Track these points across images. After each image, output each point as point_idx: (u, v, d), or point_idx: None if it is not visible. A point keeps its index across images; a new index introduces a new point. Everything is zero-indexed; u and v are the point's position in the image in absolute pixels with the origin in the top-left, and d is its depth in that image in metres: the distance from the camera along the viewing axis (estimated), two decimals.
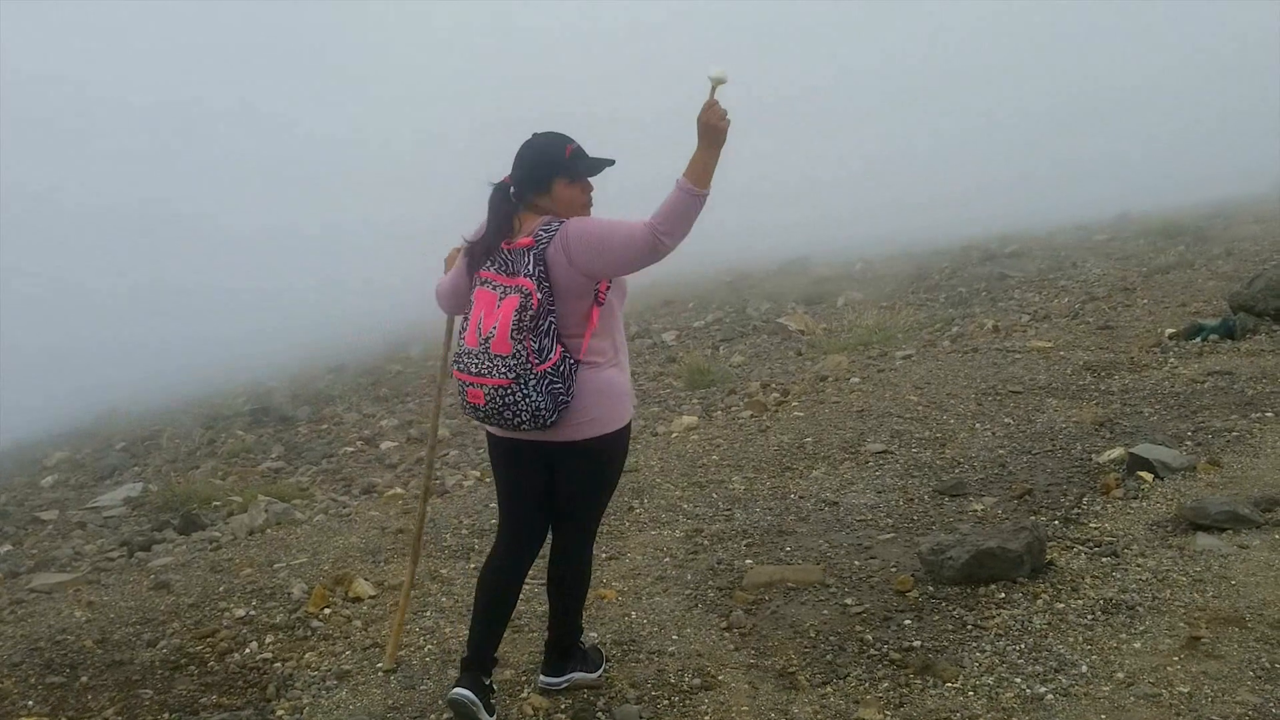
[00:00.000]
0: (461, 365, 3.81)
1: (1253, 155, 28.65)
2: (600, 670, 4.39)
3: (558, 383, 3.75)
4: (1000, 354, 10.30)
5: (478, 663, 4.04)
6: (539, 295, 3.68)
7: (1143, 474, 6.17)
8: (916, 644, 4.43)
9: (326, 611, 5.37)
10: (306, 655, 4.92)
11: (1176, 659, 4.02)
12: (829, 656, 4.42)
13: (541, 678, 4.33)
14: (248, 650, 5.02)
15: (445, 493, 8.55)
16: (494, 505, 7.11)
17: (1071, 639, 4.29)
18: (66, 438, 17.49)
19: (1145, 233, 18.68)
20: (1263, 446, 6.47)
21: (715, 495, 6.86)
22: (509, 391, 3.70)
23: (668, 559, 5.77)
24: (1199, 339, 9.71)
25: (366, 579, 5.75)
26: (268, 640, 5.11)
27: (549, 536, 4.25)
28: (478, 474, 9.39)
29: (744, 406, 10.14)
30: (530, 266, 3.71)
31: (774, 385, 11.20)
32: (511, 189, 3.93)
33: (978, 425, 7.78)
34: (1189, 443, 6.77)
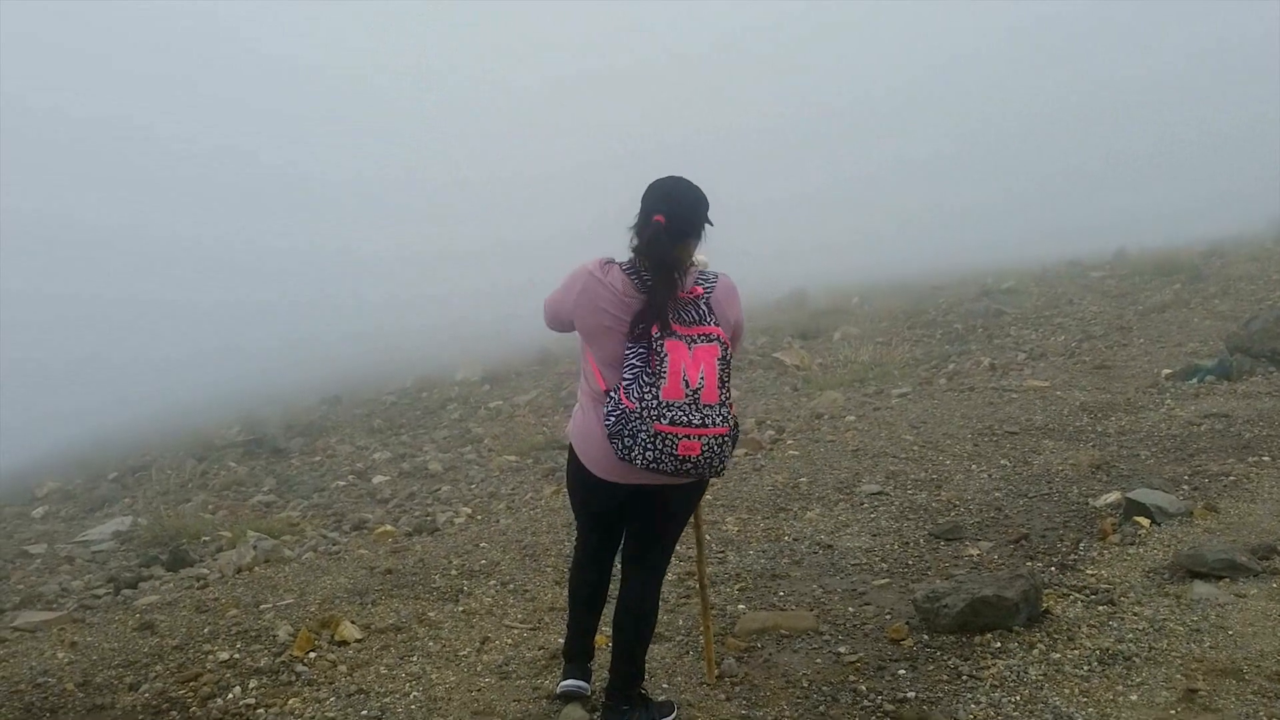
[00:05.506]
0: (670, 419, 3.71)
1: (1246, 184, 28.58)
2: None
3: (738, 429, 3.89)
4: (997, 393, 10.26)
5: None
6: (730, 344, 3.86)
7: (1140, 519, 6.12)
8: (911, 695, 4.36)
9: (311, 655, 5.29)
10: (290, 701, 4.83)
11: (1173, 712, 3.96)
12: (822, 708, 4.35)
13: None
14: (230, 695, 4.93)
15: (436, 530, 8.46)
16: (484, 545, 7.08)
17: (1067, 690, 4.23)
18: (59, 465, 17.38)
19: (1141, 270, 18.68)
20: (1260, 491, 6.42)
21: (708, 536, 6.79)
22: (724, 441, 3.78)
23: (660, 603, 5.69)
24: (1195, 380, 9.69)
25: (353, 621, 5.67)
26: (251, 685, 5.02)
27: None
28: (469, 510, 9.31)
29: (739, 444, 10.08)
30: (709, 315, 3.82)
31: (769, 422, 11.15)
32: (672, 229, 3.86)
33: (974, 467, 7.73)
34: (1185, 487, 6.72)
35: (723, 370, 3.75)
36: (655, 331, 3.75)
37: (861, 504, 7.17)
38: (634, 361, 3.78)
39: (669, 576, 6.08)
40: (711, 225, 3.99)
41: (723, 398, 3.75)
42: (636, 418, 3.73)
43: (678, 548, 6.52)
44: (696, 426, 3.70)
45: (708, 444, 3.72)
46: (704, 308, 3.80)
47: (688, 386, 3.70)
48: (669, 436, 3.70)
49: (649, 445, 3.72)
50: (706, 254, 4.06)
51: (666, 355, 3.72)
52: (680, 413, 3.69)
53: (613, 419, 3.80)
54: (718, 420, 3.73)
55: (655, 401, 3.70)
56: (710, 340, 3.75)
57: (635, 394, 3.75)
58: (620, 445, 3.79)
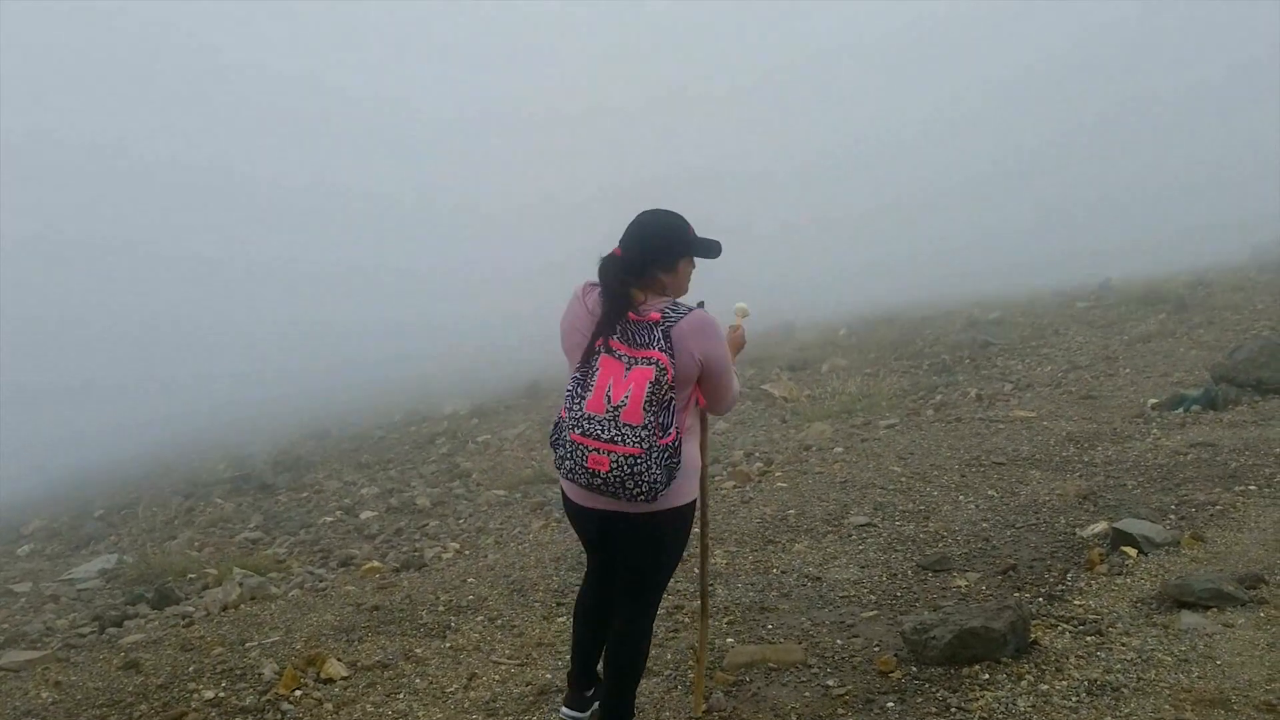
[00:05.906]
0: (584, 430, 3.81)
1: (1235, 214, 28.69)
2: None
3: (674, 459, 3.84)
4: (984, 424, 10.28)
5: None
6: (672, 370, 3.78)
7: (1127, 549, 6.12)
8: None
9: (297, 693, 5.25)
10: None
11: None
12: None
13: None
14: None
15: (423, 566, 8.42)
16: (471, 580, 7.04)
17: None
18: (45, 503, 17.30)
19: (1126, 300, 18.76)
20: (1246, 520, 6.43)
21: (697, 570, 6.77)
22: (638, 461, 3.74)
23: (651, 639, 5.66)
24: (1181, 409, 9.72)
25: (339, 659, 5.63)
26: None
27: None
28: (456, 545, 9.28)
29: (728, 476, 10.08)
30: (661, 342, 3.80)
31: (758, 454, 11.15)
32: (626, 261, 3.97)
33: (961, 497, 7.73)
34: (1172, 516, 6.73)
35: (652, 393, 3.74)
36: (599, 346, 3.87)
37: (849, 536, 7.16)
38: (577, 374, 3.91)
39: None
40: (715, 257, 4.06)
41: (647, 420, 3.74)
42: (565, 426, 3.88)
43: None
44: (606, 441, 3.75)
45: (617, 461, 3.74)
46: (658, 334, 3.82)
47: (609, 402, 3.77)
48: (581, 447, 3.80)
49: (568, 454, 3.85)
50: (744, 303, 4.50)
51: (597, 370, 3.83)
52: (596, 425, 3.77)
53: (553, 427, 3.98)
54: (632, 440, 3.73)
55: (580, 412, 3.82)
56: (649, 364, 3.78)
57: (568, 403, 3.90)
58: (556, 454, 3.94)
